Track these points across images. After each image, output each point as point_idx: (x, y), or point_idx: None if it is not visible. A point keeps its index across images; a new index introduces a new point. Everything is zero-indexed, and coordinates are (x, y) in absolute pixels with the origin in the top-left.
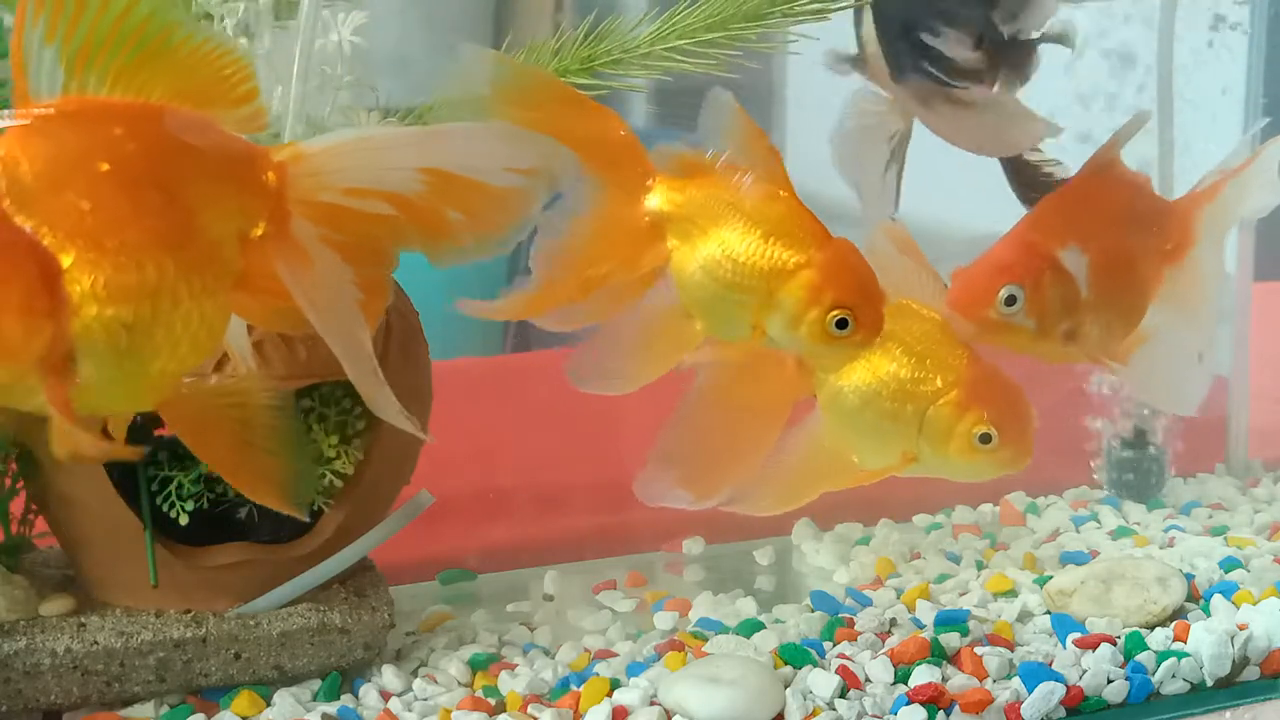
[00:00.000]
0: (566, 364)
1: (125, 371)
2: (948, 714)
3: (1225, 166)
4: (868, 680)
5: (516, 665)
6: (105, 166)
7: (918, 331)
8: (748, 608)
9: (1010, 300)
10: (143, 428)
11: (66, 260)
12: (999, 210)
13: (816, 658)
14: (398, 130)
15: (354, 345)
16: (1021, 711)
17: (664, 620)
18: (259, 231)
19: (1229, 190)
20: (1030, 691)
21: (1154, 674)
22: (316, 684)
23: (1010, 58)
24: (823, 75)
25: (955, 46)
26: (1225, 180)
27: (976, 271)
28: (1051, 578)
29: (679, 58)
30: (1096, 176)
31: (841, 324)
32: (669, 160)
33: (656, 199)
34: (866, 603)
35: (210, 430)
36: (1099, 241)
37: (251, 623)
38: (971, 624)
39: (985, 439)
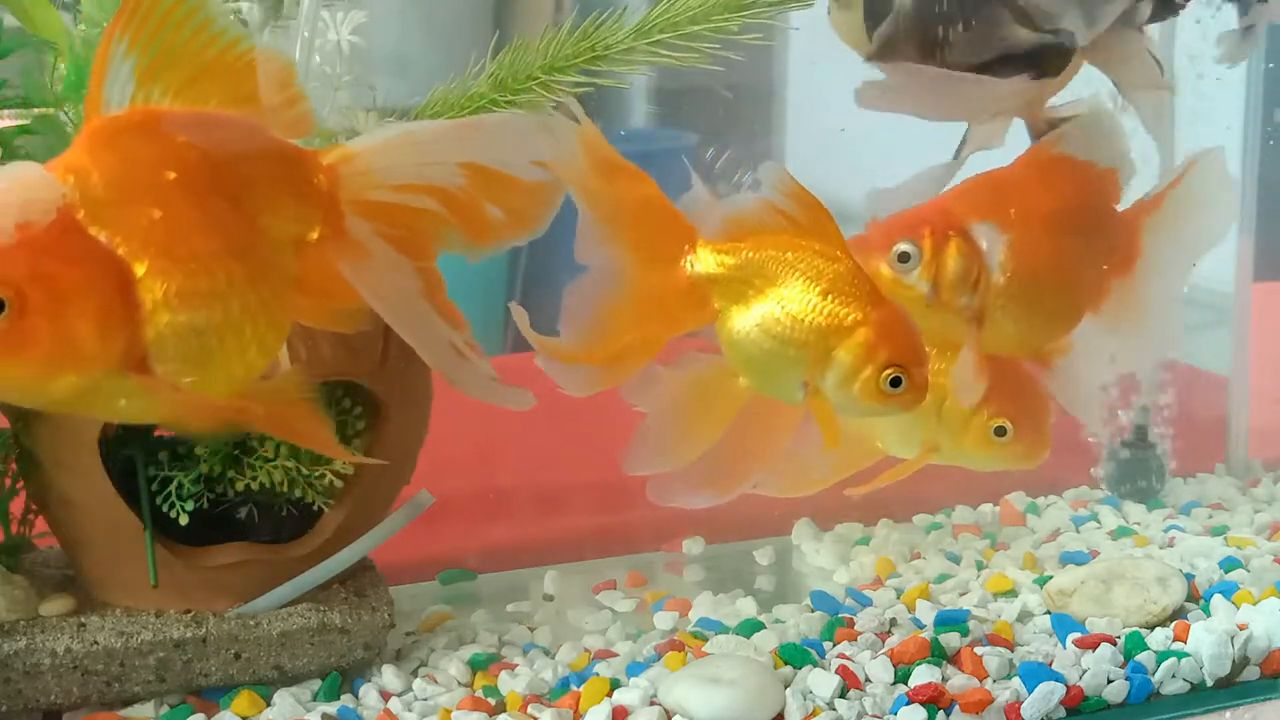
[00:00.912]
0: (621, 459)
1: (197, 376)
2: (948, 714)
3: (1169, 176)
4: (868, 680)
5: (516, 665)
6: (173, 176)
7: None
8: (748, 608)
9: (904, 257)
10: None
11: (140, 269)
12: None
13: (816, 658)
14: (436, 124)
15: (425, 333)
16: (1021, 711)
17: (664, 620)
18: (315, 234)
19: (1169, 203)
20: (1030, 691)
21: (1154, 674)
22: (316, 684)
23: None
24: (823, 75)
25: None
26: (1166, 192)
27: (883, 225)
28: (1051, 578)
29: (664, 52)
30: (1038, 165)
31: (895, 382)
32: (718, 221)
33: (701, 263)
34: (866, 603)
35: (269, 419)
36: (1026, 230)
37: (251, 623)
38: (971, 624)
39: (1000, 432)
